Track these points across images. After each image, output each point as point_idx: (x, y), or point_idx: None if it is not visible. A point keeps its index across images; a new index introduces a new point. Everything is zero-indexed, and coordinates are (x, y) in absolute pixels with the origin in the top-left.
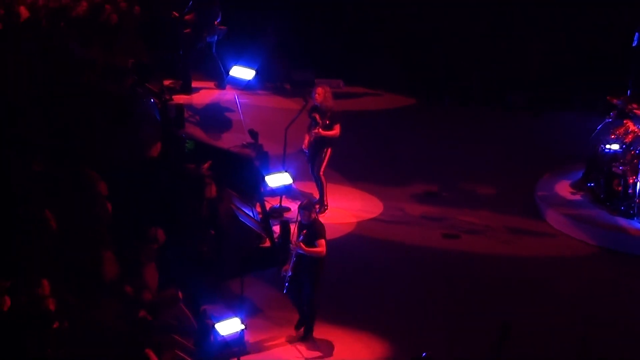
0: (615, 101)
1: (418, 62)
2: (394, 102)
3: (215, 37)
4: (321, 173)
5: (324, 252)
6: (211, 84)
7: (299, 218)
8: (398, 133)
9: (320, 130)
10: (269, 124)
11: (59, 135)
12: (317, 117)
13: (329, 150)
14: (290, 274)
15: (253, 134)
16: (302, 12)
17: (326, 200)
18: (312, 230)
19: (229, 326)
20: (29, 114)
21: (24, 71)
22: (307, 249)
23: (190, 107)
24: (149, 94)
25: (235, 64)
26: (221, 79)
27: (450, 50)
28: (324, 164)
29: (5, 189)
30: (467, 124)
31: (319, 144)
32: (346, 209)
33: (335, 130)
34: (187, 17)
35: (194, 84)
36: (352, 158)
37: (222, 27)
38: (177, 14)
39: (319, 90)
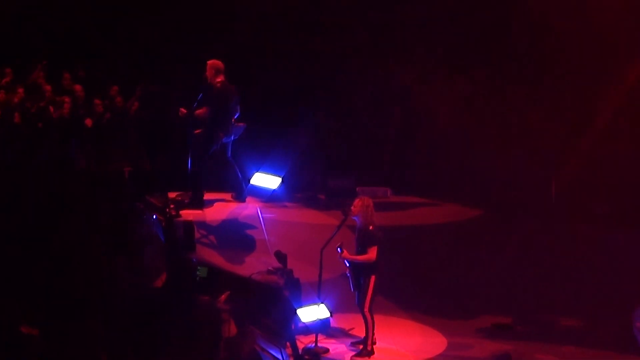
0: None
1: (482, 167)
2: (455, 213)
3: (232, 137)
4: (366, 309)
5: None
6: (228, 196)
7: None
8: (461, 252)
9: (346, 253)
10: (300, 244)
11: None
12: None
13: (373, 278)
14: None
15: (281, 256)
16: (341, 106)
17: (370, 344)
18: None
19: None
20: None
21: None
22: None
23: (202, 224)
24: (150, 210)
25: (258, 171)
26: (240, 189)
27: (520, 152)
28: (369, 297)
29: None
30: (545, 241)
31: (359, 269)
32: (402, 347)
33: (370, 254)
34: (197, 112)
35: (207, 196)
36: (406, 283)
37: (240, 124)
38: (185, 111)
39: (355, 202)
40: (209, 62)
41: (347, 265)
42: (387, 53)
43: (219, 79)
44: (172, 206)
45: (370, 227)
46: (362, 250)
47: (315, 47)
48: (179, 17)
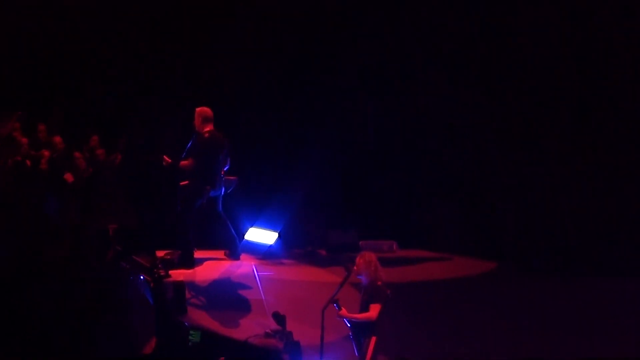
0: None
1: (495, 216)
2: (468, 267)
3: (222, 191)
4: None
5: None
6: (220, 253)
7: None
8: (474, 309)
9: (344, 311)
10: (300, 304)
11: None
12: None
13: (373, 339)
14: None
15: (279, 318)
16: (342, 158)
17: None
18: None
19: None
20: None
21: None
22: None
23: (193, 285)
24: (137, 270)
25: (252, 225)
26: (233, 246)
27: (537, 198)
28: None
29: None
30: (568, 295)
31: (360, 329)
32: None
33: (371, 312)
34: (183, 163)
35: (197, 254)
36: (414, 344)
37: (232, 178)
38: (169, 160)
39: (357, 260)
40: (197, 109)
41: (348, 325)
42: (386, 93)
43: (207, 128)
44: (160, 266)
45: (379, 283)
46: (366, 309)
47: (309, 93)
48: (167, 61)
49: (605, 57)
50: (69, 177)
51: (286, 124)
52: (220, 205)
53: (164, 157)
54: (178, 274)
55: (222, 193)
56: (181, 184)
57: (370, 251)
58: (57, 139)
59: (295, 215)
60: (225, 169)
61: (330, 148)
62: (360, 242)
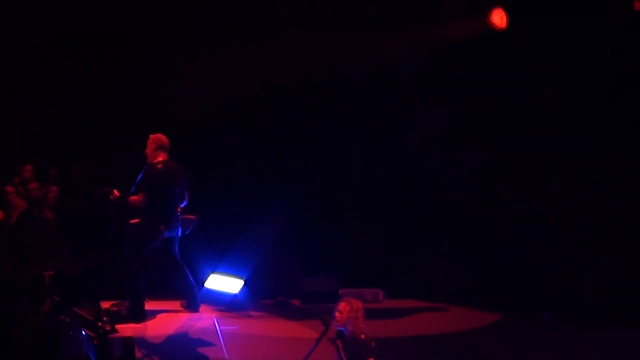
0: None
1: (498, 262)
2: (467, 319)
3: (179, 232)
4: None
5: None
6: (176, 304)
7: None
8: None
9: None
10: None
11: None
12: (340, 346)
13: None
14: None
15: None
16: (319, 193)
17: None
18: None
19: None
20: None
21: None
22: None
23: (144, 341)
24: (79, 324)
25: (214, 271)
26: (191, 296)
27: (545, 243)
28: None
29: None
30: (582, 351)
31: None
32: None
33: None
34: (133, 199)
35: (149, 306)
36: None
37: (191, 217)
38: (118, 194)
39: (342, 306)
40: (152, 136)
41: None
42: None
43: (160, 158)
44: (105, 319)
45: (362, 337)
46: None
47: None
48: (115, 80)
49: None
50: None
51: (255, 153)
52: (177, 248)
53: (114, 190)
54: (126, 329)
55: (179, 234)
56: (130, 222)
57: (355, 298)
58: None
59: (264, 259)
60: (182, 206)
61: (305, 181)
62: (340, 291)
